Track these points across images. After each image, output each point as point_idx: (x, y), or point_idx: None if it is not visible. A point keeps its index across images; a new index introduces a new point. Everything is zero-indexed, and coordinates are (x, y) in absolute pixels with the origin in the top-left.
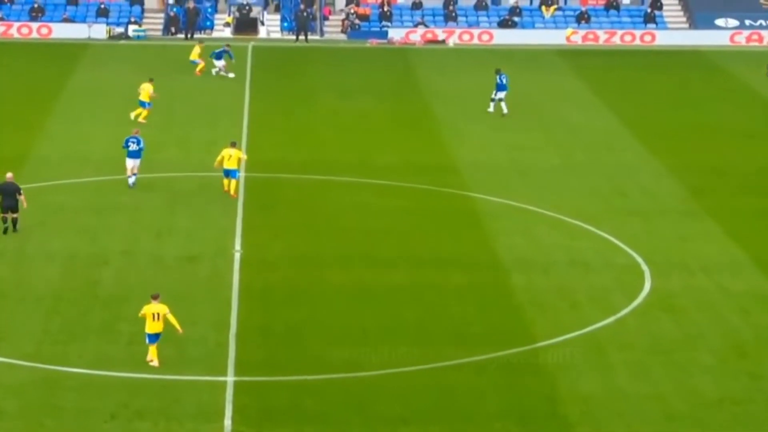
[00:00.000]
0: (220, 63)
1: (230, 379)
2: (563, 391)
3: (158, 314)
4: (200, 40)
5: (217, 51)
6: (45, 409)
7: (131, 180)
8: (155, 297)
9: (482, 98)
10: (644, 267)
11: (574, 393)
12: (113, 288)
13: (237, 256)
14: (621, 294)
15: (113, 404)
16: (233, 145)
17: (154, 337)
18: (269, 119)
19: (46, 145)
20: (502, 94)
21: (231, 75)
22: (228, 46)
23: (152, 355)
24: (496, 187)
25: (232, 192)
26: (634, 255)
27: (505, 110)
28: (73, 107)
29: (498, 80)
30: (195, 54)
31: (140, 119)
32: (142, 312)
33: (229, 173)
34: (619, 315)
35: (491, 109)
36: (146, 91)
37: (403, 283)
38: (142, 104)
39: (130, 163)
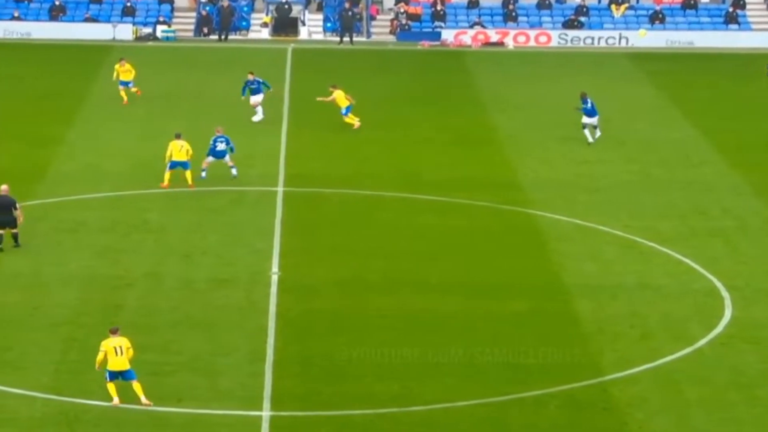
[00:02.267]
0: (257, 99)
1: (266, 413)
2: (633, 430)
3: (120, 347)
4: (120, 58)
5: (250, 83)
6: None
7: (203, 174)
8: (114, 331)
9: (546, 107)
10: (725, 293)
11: None
12: (137, 314)
13: (274, 279)
14: (698, 323)
15: None
16: (179, 137)
17: (115, 375)
18: (310, 129)
19: (66, 158)
20: (593, 120)
21: (256, 118)
22: (252, 73)
23: (113, 392)
24: (561, 204)
25: (189, 182)
26: (714, 280)
27: (591, 139)
28: (95, 116)
29: (585, 105)
30: (127, 73)
31: (356, 124)
32: (102, 349)
33: (179, 165)
34: (696, 346)
35: (591, 139)
36: (341, 97)
37: (457, 310)
38: (348, 109)
39: (210, 160)
